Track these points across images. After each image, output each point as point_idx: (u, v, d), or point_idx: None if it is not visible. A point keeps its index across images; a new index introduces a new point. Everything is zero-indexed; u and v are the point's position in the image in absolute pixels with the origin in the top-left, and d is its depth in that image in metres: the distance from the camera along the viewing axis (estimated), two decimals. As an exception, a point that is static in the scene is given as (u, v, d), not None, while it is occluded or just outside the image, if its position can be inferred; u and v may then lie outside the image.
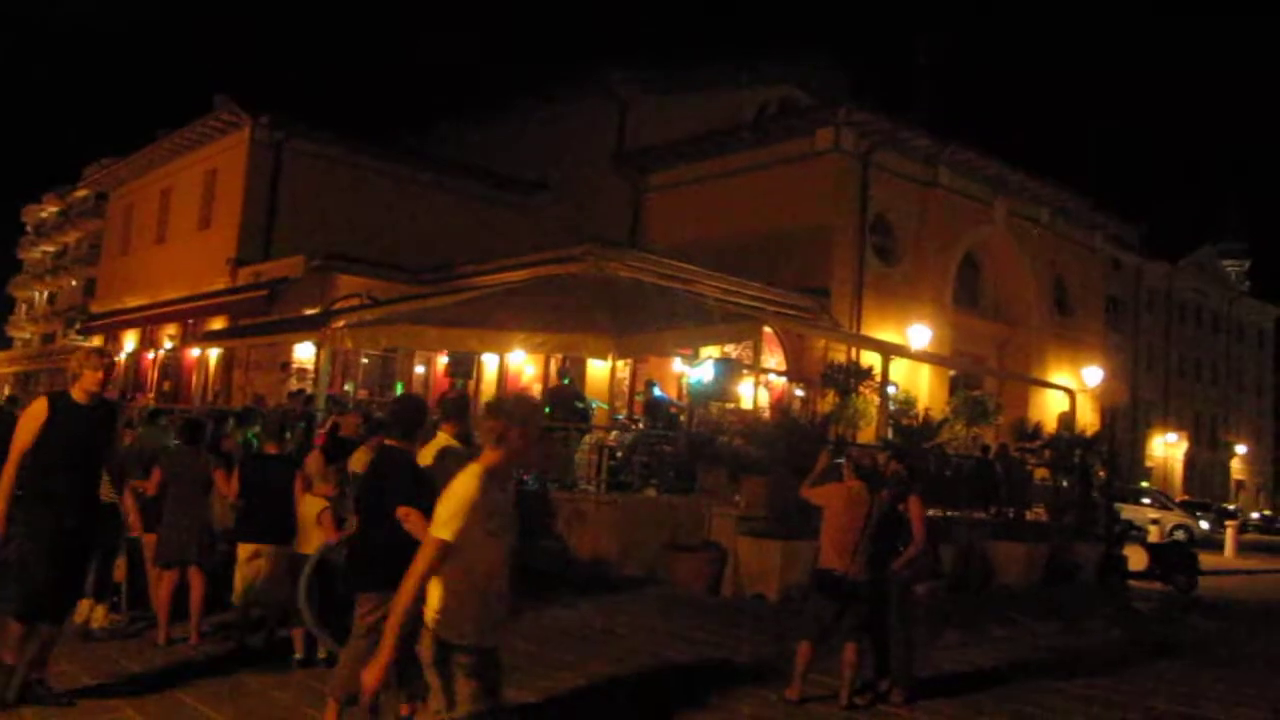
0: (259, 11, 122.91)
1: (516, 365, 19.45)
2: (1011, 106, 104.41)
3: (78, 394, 6.01)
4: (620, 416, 17.03)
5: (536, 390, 18.38)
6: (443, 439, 6.10)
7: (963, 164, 25.02)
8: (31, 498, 5.88)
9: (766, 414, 17.11)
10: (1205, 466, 52.34)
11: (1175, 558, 17.79)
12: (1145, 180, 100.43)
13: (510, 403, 4.24)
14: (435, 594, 3.92)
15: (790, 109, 27.30)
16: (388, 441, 5.78)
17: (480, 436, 4.27)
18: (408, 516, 5.24)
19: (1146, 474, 45.22)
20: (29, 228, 67.50)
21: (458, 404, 6.73)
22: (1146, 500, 31.36)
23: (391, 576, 5.01)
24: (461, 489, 3.87)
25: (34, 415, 5.88)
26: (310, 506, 7.52)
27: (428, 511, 4.75)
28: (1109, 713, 7.85)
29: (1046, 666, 9.34)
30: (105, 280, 35.21)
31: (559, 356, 17.11)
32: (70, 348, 45.27)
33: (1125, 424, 42.05)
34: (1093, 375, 27.42)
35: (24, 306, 67.99)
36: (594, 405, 16.31)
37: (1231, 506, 43.57)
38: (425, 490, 5.26)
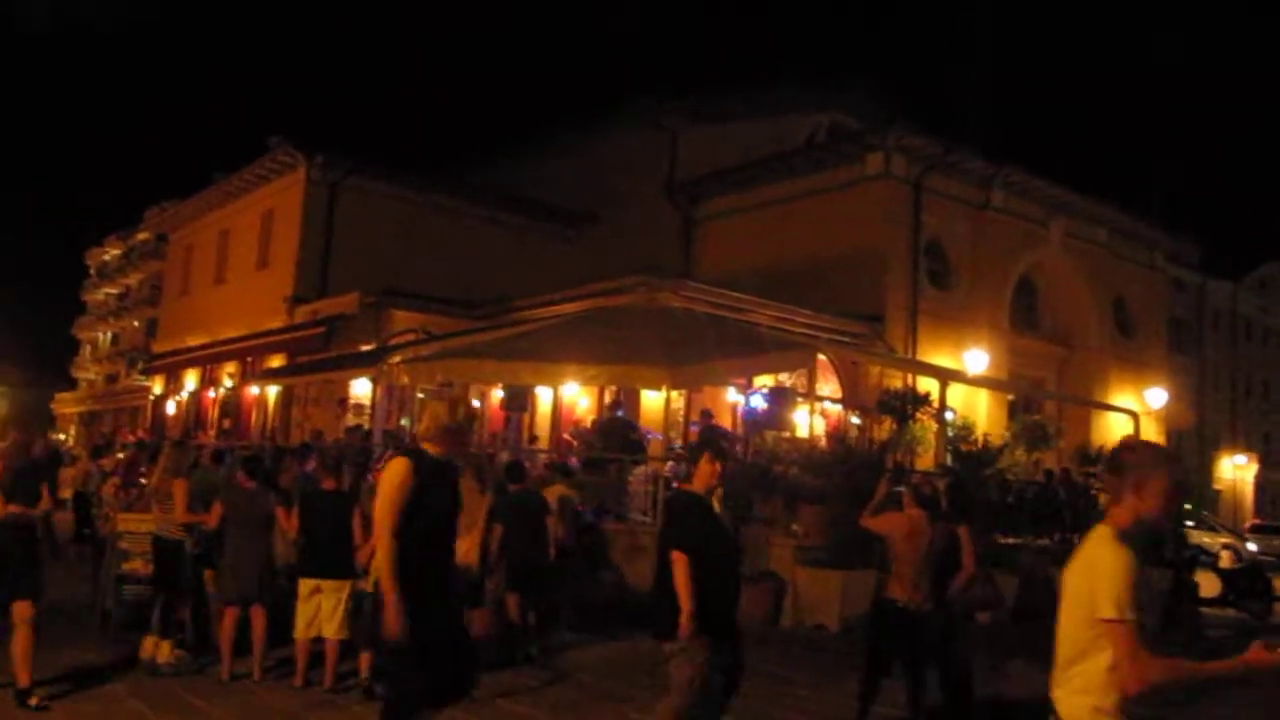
0: (311, 53, 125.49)
1: (570, 397, 19.50)
2: (1066, 126, 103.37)
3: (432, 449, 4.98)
4: (676, 447, 17.00)
5: (589, 422, 18.40)
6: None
7: (1017, 185, 24.75)
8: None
9: (823, 442, 16.95)
10: (1276, 489, 50.99)
11: (1249, 583, 17.31)
12: (1206, 197, 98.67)
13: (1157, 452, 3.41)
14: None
15: (839, 134, 27.21)
16: (678, 485, 5.80)
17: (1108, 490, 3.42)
18: (676, 562, 5.24)
19: (1215, 497, 44.14)
20: (92, 270, 69.06)
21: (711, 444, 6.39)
22: (1189, 523, 30.14)
23: (668, 623, 5.20)
24: (1120, 564, 3.13)
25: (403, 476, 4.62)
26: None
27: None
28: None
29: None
30: (166, 320, 35.91)
31: (613, 388, 17.13)
32: (134, 387, 46.23)
33: (1192, 446, 41.11)
34: (1156, 397, 26.87)
35: (88, 348, 69.47)
36: (649, 436, 16.29)
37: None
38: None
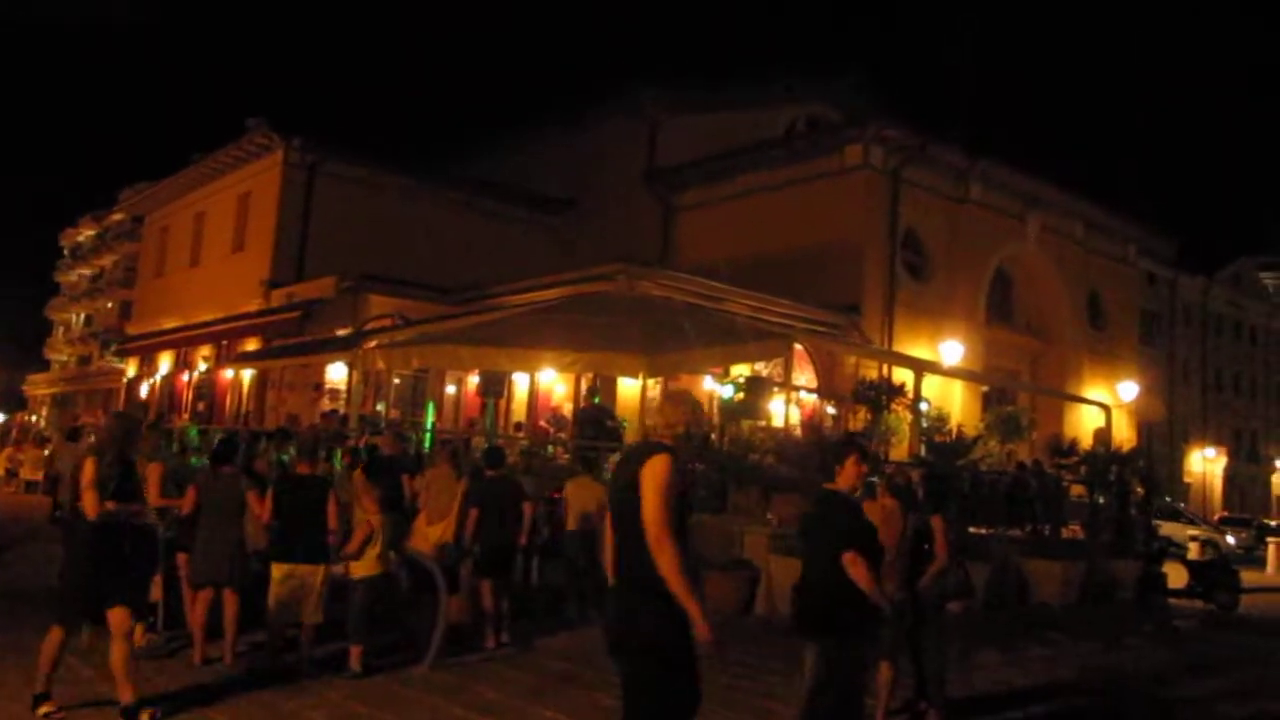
0: (290, 35, 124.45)
1: (547, 384, 19.49)
2: (1043, 121, 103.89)
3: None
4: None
5: (567, 410, 18.41)
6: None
7: (994, 179, 24.89)
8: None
9: (798, 432, 17.04)
10: (1245, 481, 51.54)
11: (1216, 575, 17.49)
12: (1180, 194, 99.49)
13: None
14: None
15: (819, 125, 27.30)
16: (826, 485, 5.78)
17: None
18: (854, 562, 5.29)
19: (1184, 489, 44.61)
20: (66, 251, 68.44)
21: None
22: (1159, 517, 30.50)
23: (824, 622, 5.22)
24: None
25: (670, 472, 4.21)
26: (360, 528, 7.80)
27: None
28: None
29: (1085, 686, 9.21)
30: (141, 302, 35.66)
31: (589, 375, 17.12)
32: (107, 369, 45.88)
33: (1162, 439, 41.49)
34: (1128, 390, 27.15)
35: (61, 329, 68.86)
36: (624, 424, 16.30)
37: (1273, 522, 42.86)
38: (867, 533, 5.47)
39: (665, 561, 3.96)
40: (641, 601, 4.07)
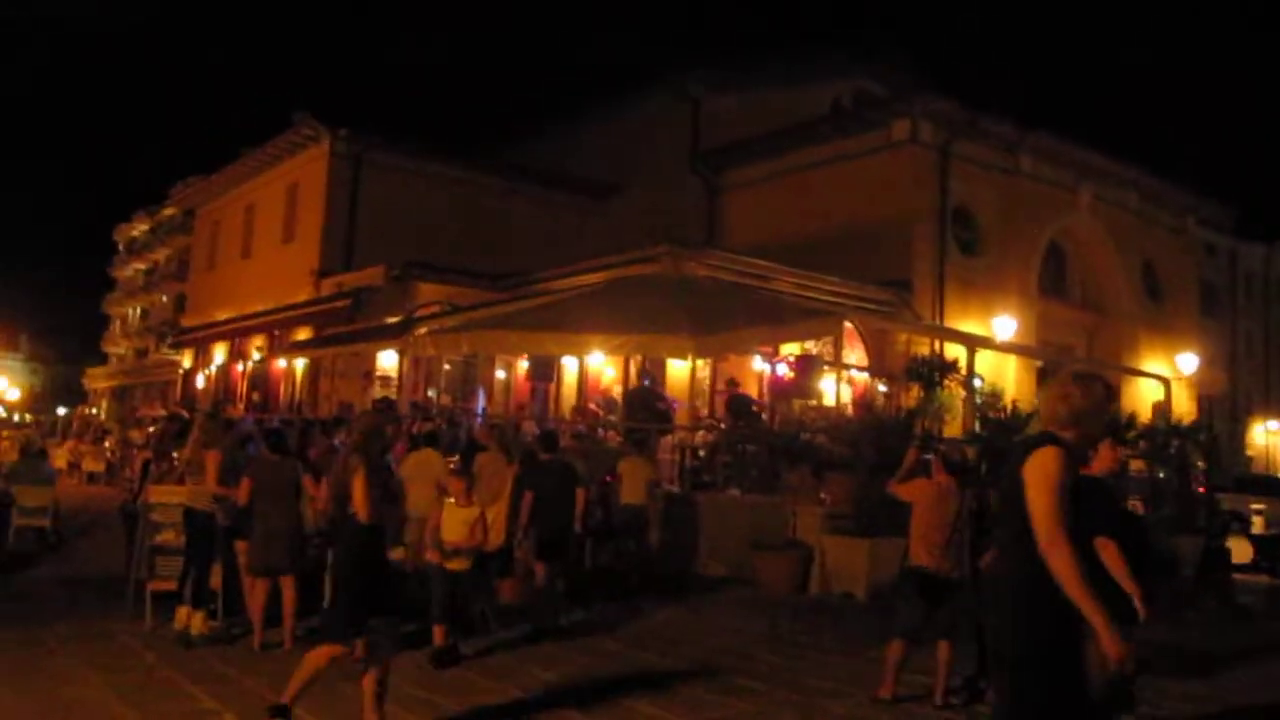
0: (335, 27, 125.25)
1: (596, 367, 19.51)
2: (1096, 90, 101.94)
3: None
4: (702, 416, 16.97)
5: (617, 392, 18.42)
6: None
7: (1045, 150, 24.45)
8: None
9: (850, 410, 16.89)
10: (1309, 454, 50.44)
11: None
12: (1238, 161, 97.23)
13: None
14: None
15: (865, 101, 26.94)
16: (1084, 472, 5.72)
17: None
18: (1105, 547, 5.24)
19: (1247, 463, 43.74)
20: (121, 246, 69.51)
21: None
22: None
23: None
24: None
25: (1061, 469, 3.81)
26: (454, 513, 7.93)
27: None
28: (1212, 710, 7.58)
29: (1147, 664, 9.04)
30: (194, 295, 36.18)
31: (639, 357, 17.10)
32: (163, 361, 46.62)
33: (1224, 412, 40.67)
34: (1188, 363, 26.60)
35: (118, 323, 70.01)
36: (675, 405, 16.27)
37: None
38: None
39: (1060, 564, 3.66)
40: (1027, 608, 3.78)
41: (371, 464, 5.92)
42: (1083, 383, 4.00)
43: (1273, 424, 47.14)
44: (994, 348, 20.81)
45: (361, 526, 5.85)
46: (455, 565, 7.90)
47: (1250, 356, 46.66)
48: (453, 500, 8.05)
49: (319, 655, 5.78)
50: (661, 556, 12.20)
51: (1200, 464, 17.99)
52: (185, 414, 13.60)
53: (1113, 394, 4.24)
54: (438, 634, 7.78)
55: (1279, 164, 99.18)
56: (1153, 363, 25.59)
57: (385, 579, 5.98)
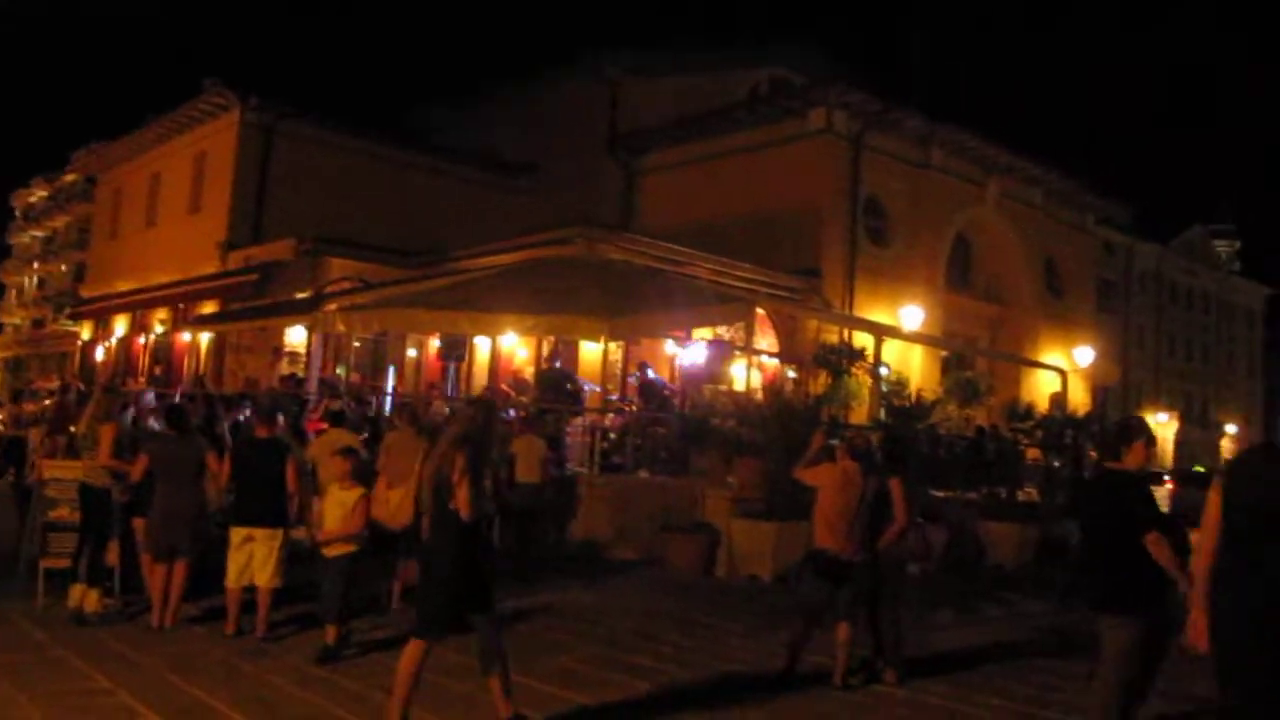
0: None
1: (509, 348, 19.43)
2: (1003, 88, 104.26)
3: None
4: (613, 399, 17.03)
5: (528, 373, 18.39)
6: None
7: (955, 144, 24.98)
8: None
9: (759, 396, 17.12)
10: (1195, 446, 52.51)
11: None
12: (1136, 162, 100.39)
13: None
14: None
15: (782, 89, 27.20)
16: (1111, 465, 5.68)
17: None
18: (1157, 542, 5.33)
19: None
20: (18, 213, 67.12)
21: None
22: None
23: (1124, 599, 5.32)
24: None
25: None
26: (334, 496, 7.63)
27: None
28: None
29: (1038, 646, 9.37)
30: (95, 265, 35.06)
31: (551, 339, 17.09)
32: (61, 332, 45.17)
33: (1116, 404, 42.11)
34: (1084, 355, 27.48)
35: (14, 292, 67.66)
36: (586, 387, 16.29)
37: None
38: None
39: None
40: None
41: (476, 459, 5.67)
42: None
43: (1162, 415, 48.98)
44: (901, 337, 21.25)
45: (465, 524, 5.64)
46: (333, 551, 7.53)
47: (1142, 350, 48.40)
48: (335, 484, 7.72)
49: (412, 653, 5.59)
50: (570, 538, 12.25)
51: (1093, 453, 18.58)
52: (81, 386, 13.24)
53: None
54: (329, 633, 7.39)
55: (1174, 166, 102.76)
56: (1051, 354, 26.38)
57: (482, 577, 5.79)
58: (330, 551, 7.54)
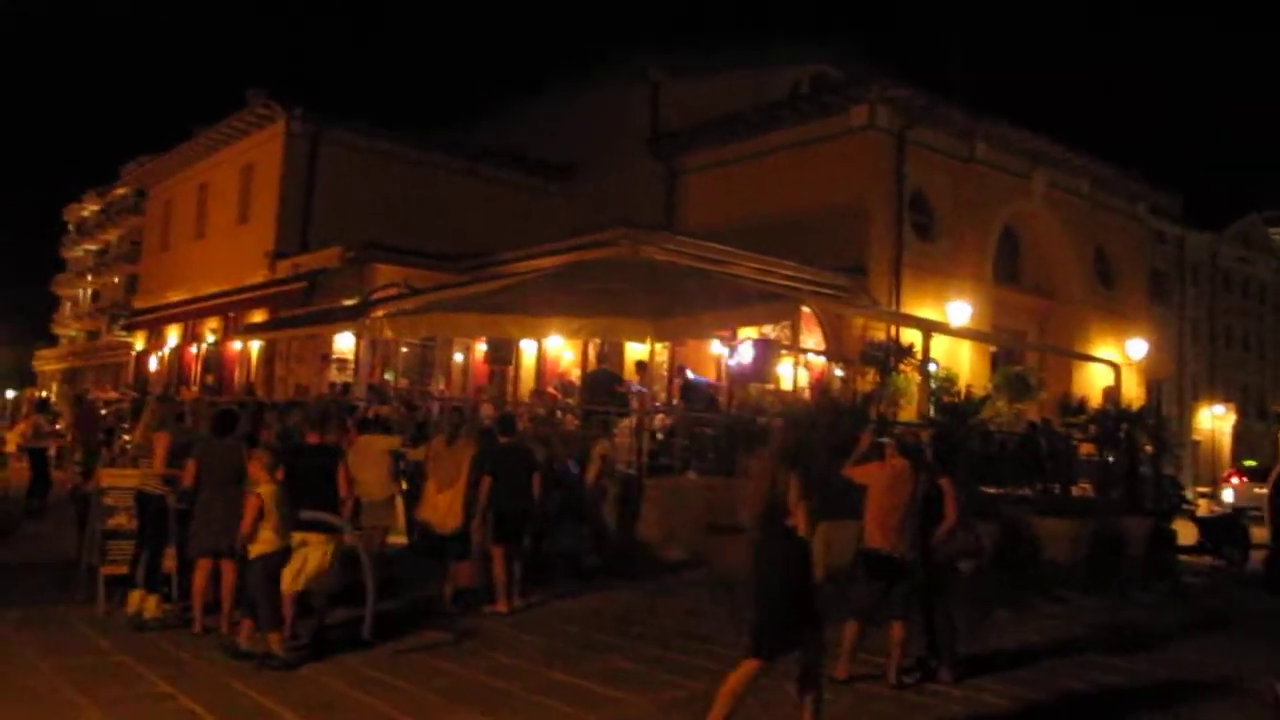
0: (292, 5, 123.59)
1: (555, 350, 19.48)
2: (1049, 78, 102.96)
3: None
4: (658, 403, 17.01)
5: (575, 376, 18.42)
6: None
7: (1000, 137, 24.68)
8: None
9: (806, 394, 17.01)
10: (1254, 438, 51.43)
11: (1226, 531, 17.52)
12: (1188, 150, 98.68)
13: None
14: None
15: (824, 86, 27.03)
16: None
17: None
18: None
19: (1194, 447, 44.57)
20: (71, 226, 68.37)
21: None
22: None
23: None
24: None
25: None
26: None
27: None
28: (1156, 687, 7.75)
29: (1094, 643, 9.24)
30: (147, 276, 35.64)
31: (597, 341, 17.10)
32: (115, 343, 45.97)
33: (1171, 397, 41.42)
34: (1137, 348, 27.04)
35: (68, 304, 68.95)
36: (633, 389, 16.29)
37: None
38: None
39: None
40: None
41: (807, 475, 5.64)
42: None
43: (1218, 409, 48.12)
44: (949, 333, 21.02)
45: (800, 541, 5.62)
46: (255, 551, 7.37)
47: (1196, 342, 47.54)
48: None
49: (743, 673, 5.54)
50: (619, 540, 12.24)
51: (1148, 448, 18.30)
52: (136, 395, 13.44)
53: None
54: (273, 641, 7.19)
55: (1227, 154, 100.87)
56: (1103, 348, 25.99)
57: (813, 594, 5.75)
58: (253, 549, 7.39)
